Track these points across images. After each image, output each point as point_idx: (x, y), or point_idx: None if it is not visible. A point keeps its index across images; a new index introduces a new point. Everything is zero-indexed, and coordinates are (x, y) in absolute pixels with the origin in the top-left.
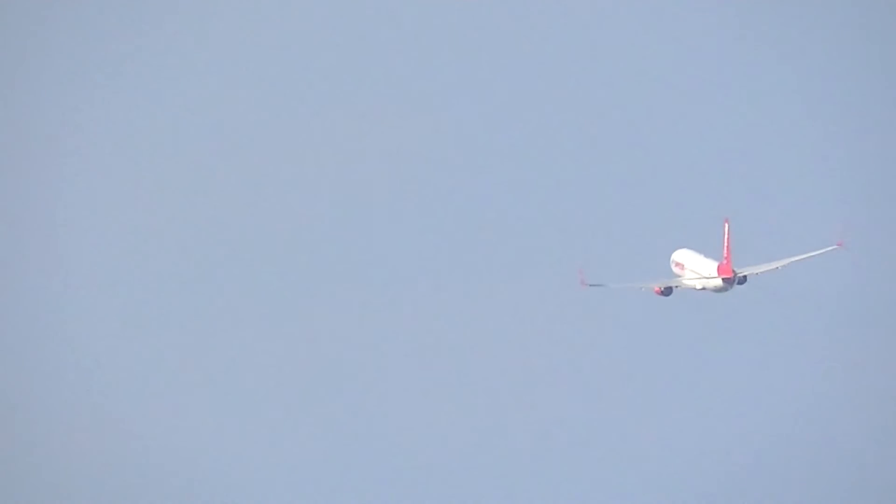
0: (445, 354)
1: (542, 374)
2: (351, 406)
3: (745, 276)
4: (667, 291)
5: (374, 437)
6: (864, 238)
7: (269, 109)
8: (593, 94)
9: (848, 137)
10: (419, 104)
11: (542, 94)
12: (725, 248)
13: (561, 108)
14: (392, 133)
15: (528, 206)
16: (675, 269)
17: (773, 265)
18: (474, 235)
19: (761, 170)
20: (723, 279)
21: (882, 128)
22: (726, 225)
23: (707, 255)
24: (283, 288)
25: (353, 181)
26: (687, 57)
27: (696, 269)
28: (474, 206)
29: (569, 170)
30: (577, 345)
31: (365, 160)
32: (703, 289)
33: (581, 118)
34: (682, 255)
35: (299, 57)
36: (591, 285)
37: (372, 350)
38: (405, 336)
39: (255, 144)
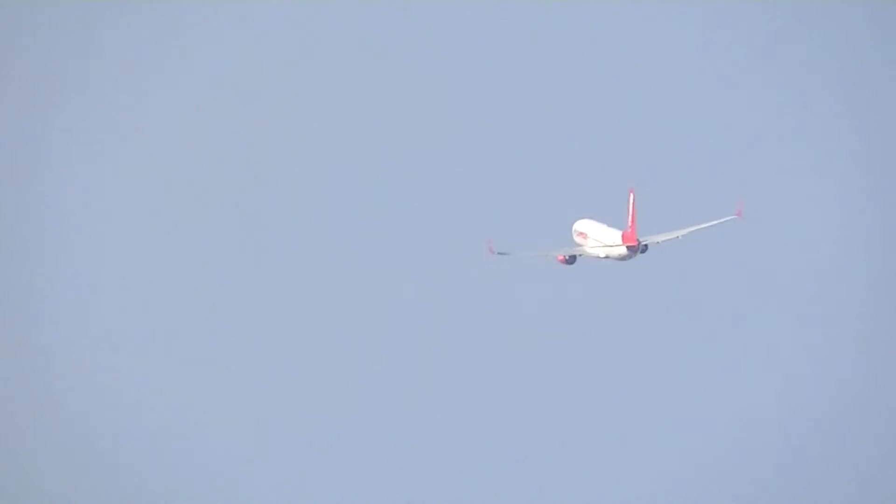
0: (360, 323)
1: (451, 341)
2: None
3: (646, 245)
4: (571, 259)
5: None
6: (762, 209)
7: (265, 109)
8: (505, 65)
9: (748, 110)
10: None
11: (454, 61)
12: (630, 218)
13: (471, 77)
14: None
15: (436, 175)
16: (578, 239)
17: (675, 234)
18: (383, 206)
19: (663, 141)
20: (627, 247)
21: (781, 102)
22: (631, 195)
23: (609, 224)
24: (277, 285)
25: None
26: (600, 30)
27: (599, 238)
28: (383, 178)
29: (477, 141)
30: (484, 310)
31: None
32: (607, 257)
33: (489, 90)
34: (584, 225)
35: (294, 58)
36: (498, 253)
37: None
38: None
39: (253, 145)
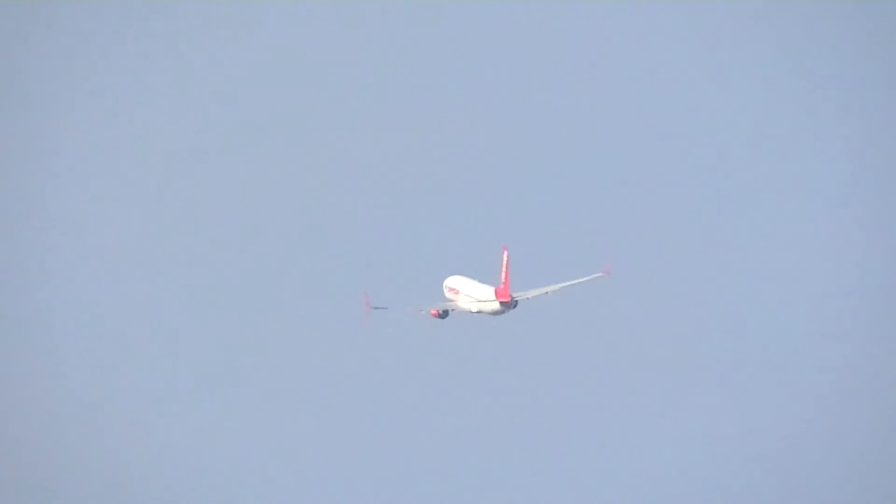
0: (234, 371)
1: (326, 395)
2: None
3: (517, 301)
4: (444, 314)
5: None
6: (630, 265)
7: (262, 110)
8: (382, 118)
9: (610, 169)
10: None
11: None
12: (504, 274)
13: (344, 135)
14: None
15: (313, 231)
16: (449, 294)
17: (545, 290)
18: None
19: (531, 201)
20: (500, 302)
21: (645, 161)
22: (505, 252)
23: (480, 280)
24: (270, 289)
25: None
26: (469, 92)
27: (470, 293)
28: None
29: (350, 199)
30: (361, 364)
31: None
32: (479, 312)
33: (366, 149)
34: (455, 281)
35: (288, 59)
36: (374, 308)
37: None
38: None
39: (249, 145)
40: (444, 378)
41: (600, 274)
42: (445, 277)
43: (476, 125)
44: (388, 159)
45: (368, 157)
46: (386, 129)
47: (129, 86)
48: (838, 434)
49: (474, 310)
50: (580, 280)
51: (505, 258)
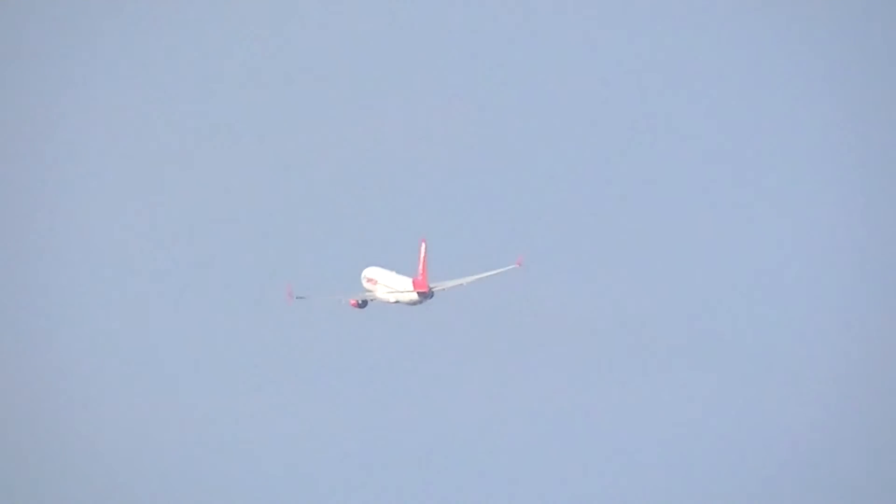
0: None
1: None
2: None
3: (434, 291)
4: (363, 304)
5: None
6: (542, 257)
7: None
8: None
9: (529, 164)
10: None
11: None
12: (421, 265)
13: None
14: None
15: (234, 224)
16: (367, 285)
17: (460, 281)
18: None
19: (451, 194)
20: (418, 293)
21: (562, 155)
22: (423, 244)
23: (398, 271)
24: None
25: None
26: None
27: (388, 284)
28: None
29: (270, 191)
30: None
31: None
32: (397, 302)
33: (284, 144)
34: (373, 272)
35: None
36: (297, 297)
37: None
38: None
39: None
40: (363, 365)
41: (514, 266)
42: (364, 268)
43: (402, 117)
44: (307, 151)
45: (290, 150)
46: (307, 121)
47: (108, 82)
48: (789, 420)
49: (392, 300)
50: (495, 272)
51: (423, 250)
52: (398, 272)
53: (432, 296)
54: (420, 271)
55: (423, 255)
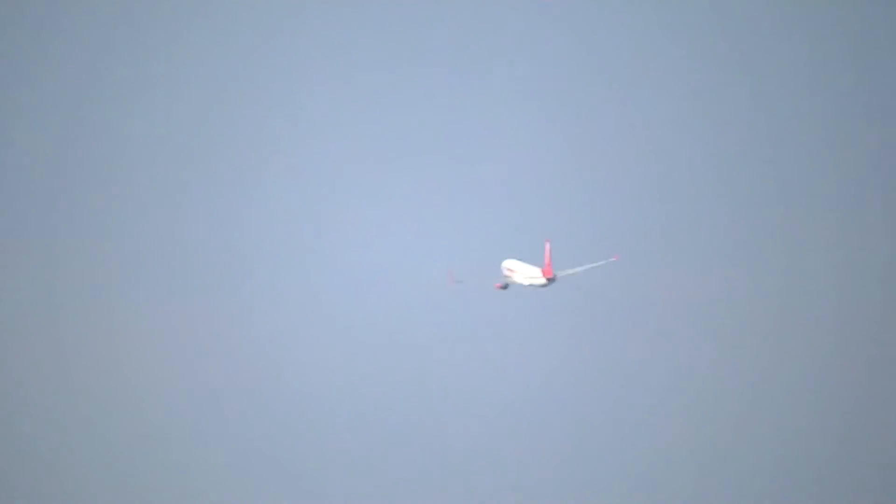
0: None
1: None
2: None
3: (556, 277)
4: (505, 286)
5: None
6: (636, 253)
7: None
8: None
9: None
10: None
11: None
12: (546, 258)
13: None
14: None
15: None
16: (506, 272)
17: (575, 270)
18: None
19: (565, 202)
20: (546, 279)
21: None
22: (547, 244)
23: (528, 262)
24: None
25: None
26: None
27: (523, 271)
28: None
29: (426, 203)
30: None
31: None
32: (530, 285)
33: (437, 147)
34: (510, 263)
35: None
36: (456, 281)
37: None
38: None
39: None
40: (509, 330)
41: (613, 259)
42: (503, 260)
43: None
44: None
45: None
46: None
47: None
48: None
49: (526, 283)
50: (598, 263)
51: (547, 248)
52: (530, 263)
53: (555, 280)
54: (546, 263)
55: (547, 251)
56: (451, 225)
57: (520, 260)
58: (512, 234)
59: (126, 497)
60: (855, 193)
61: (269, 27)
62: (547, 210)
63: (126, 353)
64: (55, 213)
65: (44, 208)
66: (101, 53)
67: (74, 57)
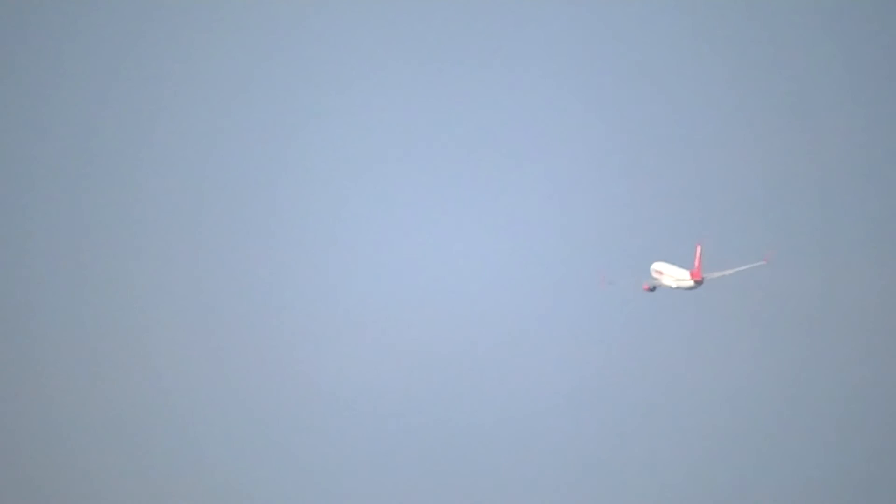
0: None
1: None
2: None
3: (704, 279)
4: (653, 288)
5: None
6: (786, 255)
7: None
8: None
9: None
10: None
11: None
12: (697, 261)
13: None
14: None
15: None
16: (654, 275)
17: (723, 273)
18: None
19: (716, 204)
20: (694, 281)
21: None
22: (699, 247)
23: (677, 264)
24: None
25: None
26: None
27: (671, 274)
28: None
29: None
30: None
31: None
32: (678, 287)
33: (562, 145)
34: (659, 266)
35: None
36: (608, 284)
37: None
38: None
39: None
40: (659, 329)
41: (762, 262)
42: (652, 263)
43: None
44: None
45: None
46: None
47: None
48: None
49: (674, 286)
50: (748, 266)
51: (698, 251)
52: (678, 266)
53: (703, 283)
54: (696, 265)
55: (698, 253)
56: (602, 227)
57: (669, 262)
58: (660, 236)
59: (141, 498)
60: None
61: (310, 30)
62: (697, 212)
63: (144, 357)
64: (56, 214)
65: (46, 210)
66: (112, 56)
67: (90, 61)
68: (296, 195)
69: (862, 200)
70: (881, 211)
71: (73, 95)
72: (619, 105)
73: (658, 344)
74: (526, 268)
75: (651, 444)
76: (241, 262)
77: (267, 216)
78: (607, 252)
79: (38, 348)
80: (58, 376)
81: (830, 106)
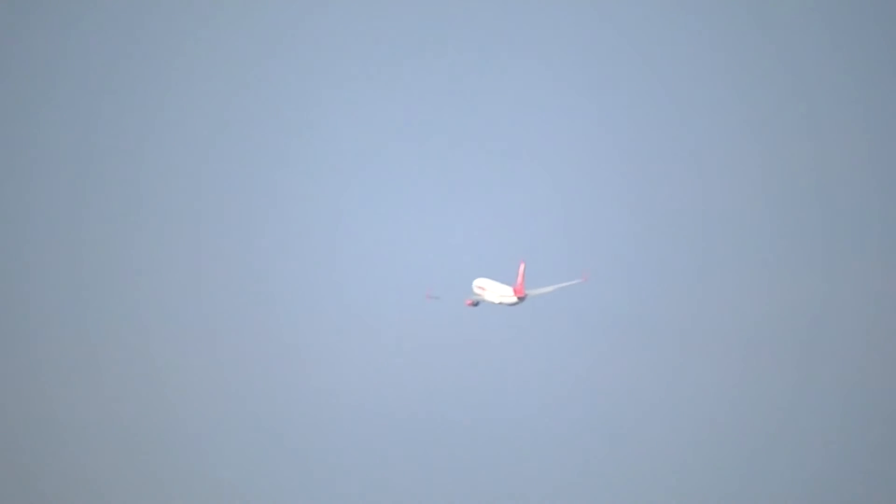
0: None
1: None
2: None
3: (527, 296)
4: (476, 304)
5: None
6: (604, 274)
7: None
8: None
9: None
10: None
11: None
12: (520, 278)
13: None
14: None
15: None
16: (477, 290)
17: (544, 290)
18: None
19: (541, 224)
20: (517, 297)
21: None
22: (522, 264)
23: (499, 280)
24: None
25: None
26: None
27: (494, 290)
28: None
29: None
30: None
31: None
32: (501, 303)
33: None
34: (482, 282)
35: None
36: (433, 298)
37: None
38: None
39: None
40: (477, 346)
41: (580, 280)
42: (475, 279)
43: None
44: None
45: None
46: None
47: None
48: None
49: (497, 301)
50: (567, 283)
51: (521, 268)
52: (500, 282)
53: (525, 299)
54: (519, 282)
55: (521, 270)
56: (432, 240)
57: (491, 279)
58: (482, 252)
59: (141, 498)
60: None
61: (307, 29)
62: (522, 230)
63: (144, 358)
64: (56, 214)
65: (46, 210)
66: (112, 56)
67: (90, 61)
68: (296, 195)
69: (860, 202)
70: (881, 211)
71: (73, 95)
72: (459, 107)
73: (658, 343)
74: (360, 274)
75: (649, 445)
76: (240, 262)
77: (267, 216)
78: (432, 269)
79: (39, 348)
80: (58, 376)
81: (807, 113)
